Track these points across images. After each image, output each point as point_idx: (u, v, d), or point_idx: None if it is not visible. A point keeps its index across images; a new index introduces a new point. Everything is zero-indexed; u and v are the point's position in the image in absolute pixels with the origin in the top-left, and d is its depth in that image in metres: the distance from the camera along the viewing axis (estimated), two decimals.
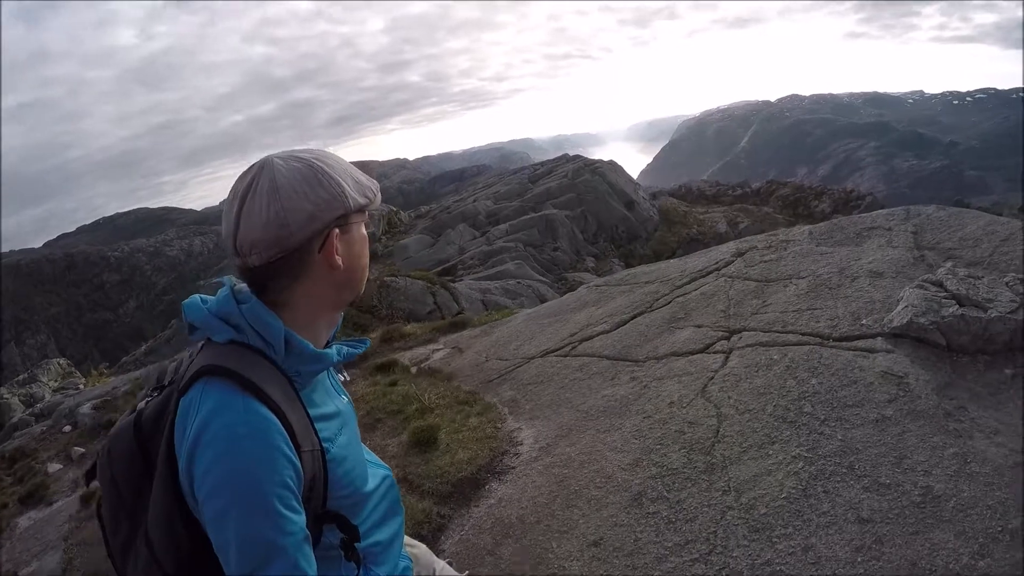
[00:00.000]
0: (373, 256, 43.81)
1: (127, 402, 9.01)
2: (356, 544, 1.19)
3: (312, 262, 1.11)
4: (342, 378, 1.40)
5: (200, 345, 1.15)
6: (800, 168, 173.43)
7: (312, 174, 1.09)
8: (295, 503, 1.01)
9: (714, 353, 3.90)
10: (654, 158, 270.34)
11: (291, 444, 1.02)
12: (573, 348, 4.86)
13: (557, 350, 4.96)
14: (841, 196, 52.51)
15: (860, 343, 3.42)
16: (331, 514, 1.15)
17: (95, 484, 1.21)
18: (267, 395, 1.03)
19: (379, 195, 1.20)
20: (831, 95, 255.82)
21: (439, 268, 35.61)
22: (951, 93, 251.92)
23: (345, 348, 1.25)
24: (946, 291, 3.47)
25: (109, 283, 79.95)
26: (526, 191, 39.48)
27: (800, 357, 3.45)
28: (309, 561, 1.02)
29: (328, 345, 1.23)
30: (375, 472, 1.33)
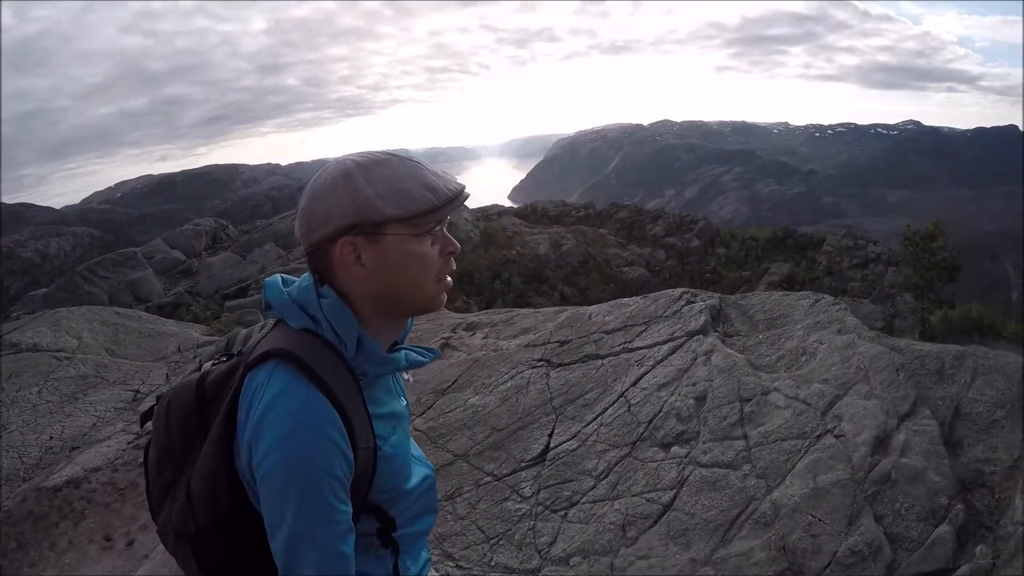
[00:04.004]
0: (185, 274, 40.30)
1: None
2: (392, 533, 1.23)
3: (334, 264, 1.14)
4: (406, 378, 1.42)
5: (272, 323, 1.21)
6: (668, 190, 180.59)
7: (338, 180, 1.12)
8: (343, 495, 1.07)
9: None
10: (527, 174, 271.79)
11: (347, 439, 1.07)
12: None
13: None
14: (675, 220, 54.38)
15: None
16: (371, 505, 1.18)
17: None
18: (331, 390, 1.07)
19: (440, 208, 1.15)
20: (701, 122, 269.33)
21: (236, 287, 33.75)
22: (814, 126, 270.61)
23: (413, 355, 1.26)
24: None
25: None
26: None
27: None
28: (349, 547, 1.08)
29: (397, 349, 1.27)
30: (418, 471, 1.33)
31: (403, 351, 1.26)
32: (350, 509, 1.09)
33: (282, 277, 1.22)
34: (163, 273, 37.16)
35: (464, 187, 1.20)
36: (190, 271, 38.59)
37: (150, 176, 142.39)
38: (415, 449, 1.39)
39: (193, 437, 1.17)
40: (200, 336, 6.62)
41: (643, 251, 47.32)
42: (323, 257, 1.15)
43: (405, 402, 1.35)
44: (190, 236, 42.01)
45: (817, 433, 3.04)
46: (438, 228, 1.19)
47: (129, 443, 4.38)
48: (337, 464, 1.05)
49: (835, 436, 2.99)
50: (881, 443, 2.91)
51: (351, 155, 1.17)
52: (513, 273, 35.47)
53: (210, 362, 1.27)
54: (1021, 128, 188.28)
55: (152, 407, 1.26)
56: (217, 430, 1.12)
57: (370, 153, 1.17)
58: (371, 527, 1.20)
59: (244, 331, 1.33)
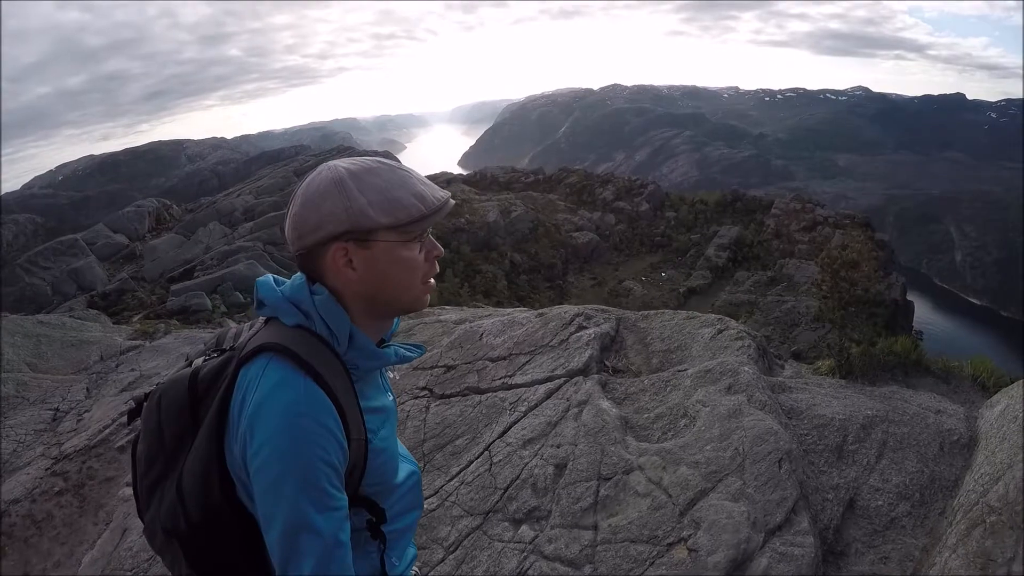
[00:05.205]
0: (129, 258, 39.42)
1: None
2: (382, 527, 1.25)
3: (325, 266, 1.18)
4: (391, 375, 1.47)
5: (263, 321, 1.23)
6: (618, 153, 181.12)
7: (331, 187, 1.14)
8: (339, 483, 1.09)
9: None
10: (477, 140, 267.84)
11: (343, 430, 1.10)
12: None
13: None
14: (625, 184, 54.95)
15: None
16: (362, 498, 1.21)
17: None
18: (326, 382, 1.09)
19: (428, 217, 1.19)
20: (651, 86, 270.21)
21: (181, 269, 33.19)
22: (764, 91, 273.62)
23: (402, 350, 1.30)
24: None
25: None
26: (289, 185, 37.78)
27: None
28: (346, 535, 1.09)
29: (384, 345, 1.30)
30: (404, 467, 1.37)
31: (391, 347, 1.31)
32: (345, 498, 1.11)
33: (273, 277, 1.25)
34: (106, 259, 36.28)
35: (449, 195, 1.26)
36: (134, 255, 37.70)
37: (92, 157, 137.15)
38: (400, 448, 1.42)
39: (184, 432, 1.18)
40: (124, 341, 6.50)
41: (593, 216, 47.90)
42: (314, 260, 1.18)
43: (392, 397, 1.39)
44: (132, 218, 40.98)
45: (669, 540, 2.61)
46: (425, 234, 1.24)
47: (47, 470, 4.38)
48: (333, 453, 1.07)
49: (688, 549, 2.53)
50: (738, 567, 2.43)
51: (341, 162, 1.19)
52: (463, 242, 35.63)
53: (200, 358, 1.27)
54: (967, 96, 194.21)
55: (140, 404, 1.27)
56: (209, 424, 1.13)
57: (361, 160, 1.19)
58: (361, 521, 1.23)
59: (234, 328, 1.36)
